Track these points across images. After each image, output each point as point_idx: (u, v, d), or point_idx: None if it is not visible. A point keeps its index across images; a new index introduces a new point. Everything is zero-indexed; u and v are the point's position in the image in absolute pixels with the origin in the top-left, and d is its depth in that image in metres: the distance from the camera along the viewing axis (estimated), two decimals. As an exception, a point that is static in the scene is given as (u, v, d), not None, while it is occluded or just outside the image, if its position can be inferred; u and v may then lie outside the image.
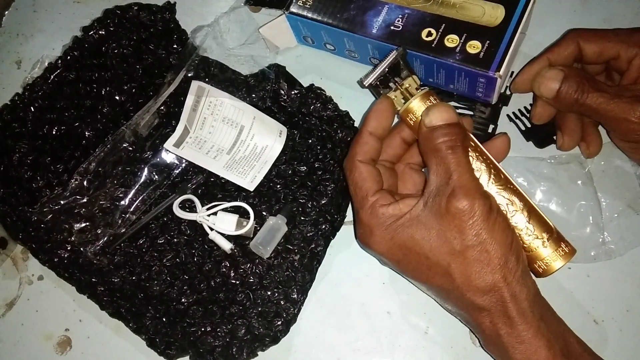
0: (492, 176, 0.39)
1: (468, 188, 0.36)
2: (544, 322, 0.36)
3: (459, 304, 0.38)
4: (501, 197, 0.39)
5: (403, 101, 0.42)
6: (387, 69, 0.41)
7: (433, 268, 0.38)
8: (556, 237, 0.39)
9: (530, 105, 0.50)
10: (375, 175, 0.41)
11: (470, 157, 0.39)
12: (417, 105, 0.40)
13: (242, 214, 0.48)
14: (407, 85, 0.42)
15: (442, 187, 0.36)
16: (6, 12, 0.61)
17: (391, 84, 0.42)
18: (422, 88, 0.41)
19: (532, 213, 0.39)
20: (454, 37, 0.45)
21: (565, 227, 0.45)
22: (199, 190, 0.49)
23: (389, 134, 0.43)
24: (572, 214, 0.47)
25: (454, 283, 0.37)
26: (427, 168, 0.39)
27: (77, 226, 0.46)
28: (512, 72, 0.51)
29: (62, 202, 0.46)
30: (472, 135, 0.40)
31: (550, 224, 0.39)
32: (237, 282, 0.46)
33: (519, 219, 0.39)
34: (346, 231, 0.49)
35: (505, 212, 0.39)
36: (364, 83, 0.42)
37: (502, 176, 0.39)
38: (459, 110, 0.50)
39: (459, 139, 0.37)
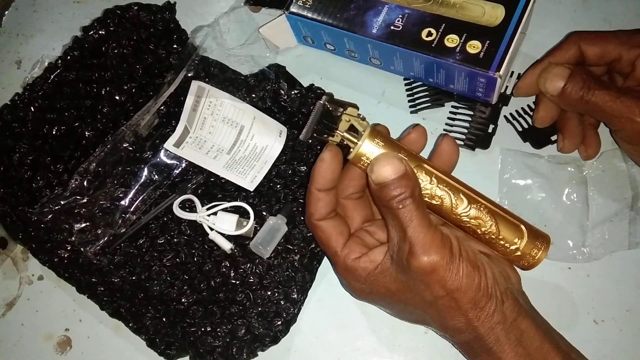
0: (454, 200, 0.39)
1: (423, 244, 0.35)
2: (521, 346, 0.37)
3: (442, 335, 0.41)
4: (468, 219, 0.39)
5: (351, 138, 0.39)
6: (317, 120, 0.38)
7: (414, 313, 0.40)
8: (529, 238, 0.39)
9: (529, 106, 0.50)
10: (337, 227, 0.41)
11: (426, 190, 0.38)
12: (365, 150, 0.38)
13: (242, 214, 0.48)
14: (347, 120, 0.38)
15: (401, 243, 0.36)
16: (6, 12, 0.61)
17: (329, 131, 0.39)
18: (363, 120, 0.39)
19: (502, 222, 0.39)
20: (454, 37, 0.45)
21: (550, 225, 0.46)
22: (199, 190, 0.49)
23: (346, 168, 0.41)
24: (559, 213, 0.47)
25: (433, 324, 0.39)
26: (384, 222, 0.39)
27: (77, 226, 0.46)
28: (512, 72, 0.51)
29: (62, 202, 0.46)
30: (426, 165, 0.39)
31: (521, 226, 0.39)
32: (237, 282, 0.46)
33: (490, 233, 0.39)
34: (346, 231, 0.49)
35: (475, 231, 0.39)
36: (300, 139, 0.39)
37: (464, 196, 0.39)
38: (459, 111, 0.50)
39: (408, 191, 0.36)
